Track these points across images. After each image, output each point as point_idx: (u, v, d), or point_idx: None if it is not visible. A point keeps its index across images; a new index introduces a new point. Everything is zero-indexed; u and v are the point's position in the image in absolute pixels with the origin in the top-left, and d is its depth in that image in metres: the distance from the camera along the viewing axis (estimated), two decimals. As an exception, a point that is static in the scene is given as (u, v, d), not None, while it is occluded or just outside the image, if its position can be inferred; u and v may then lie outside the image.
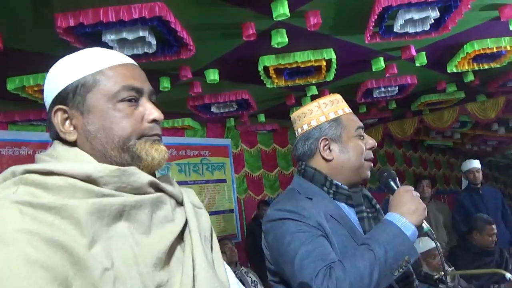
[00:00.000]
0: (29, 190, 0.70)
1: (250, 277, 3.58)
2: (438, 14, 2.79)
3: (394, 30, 2.95)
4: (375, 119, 6.46)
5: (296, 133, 1.49)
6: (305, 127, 1.43)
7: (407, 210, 1.22)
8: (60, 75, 0.82)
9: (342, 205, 1.36)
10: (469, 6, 2.73)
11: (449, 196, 8.69)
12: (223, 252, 3.28)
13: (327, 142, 1.38)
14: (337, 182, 1.37)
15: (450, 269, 2.84)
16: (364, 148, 1.38)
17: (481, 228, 3.49)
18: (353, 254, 1.16)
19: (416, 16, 2.75)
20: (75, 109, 0.81)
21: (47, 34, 2.52)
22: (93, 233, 0.67)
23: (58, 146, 0.82)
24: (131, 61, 0.89)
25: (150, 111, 0.84)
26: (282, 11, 2.51)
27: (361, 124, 1.42)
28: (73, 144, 0.82)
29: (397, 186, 1.36)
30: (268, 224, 1.33)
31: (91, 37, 2.60)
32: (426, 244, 3.15)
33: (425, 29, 2.97)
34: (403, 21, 2.81)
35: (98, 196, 0.72)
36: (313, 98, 4.69)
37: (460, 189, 6.35)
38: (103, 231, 0.69)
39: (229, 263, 3.32)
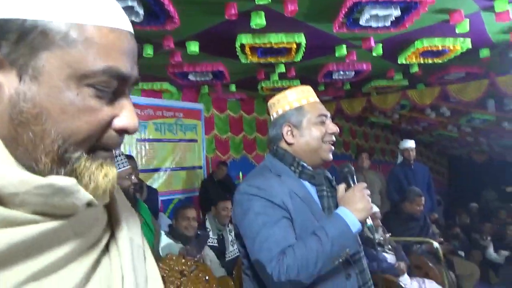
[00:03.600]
0: None
1: (231, 235, 3.55)
2: (400, 13, 2.76)
3: (360, 23, 2.90)
4: (330, 96, 6.49)
5: (272, 119, 1.46)
6: (274, 115, 1.43)
7: (357, 208, 1.24)
8: None
9: (306, 183, 1.36)
10: (426, 8, 2.72)
11: (383, 166, 9.03)
12: (222, 210, 3.30)
13: (289, 128, 1.37)
14: (303, 163, 1.36)
15: (387, 235, 2.97)
16: (324, 132, 1.35)
17: (412, 199, 3.64)
18: (304, 243, 1.16)
19: (381, 13, 2.71)
20: (7, 59, 0.42)
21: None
22: None
23: None
24: (129, 27, 0.49)
25: (127, 115, 0.48)
26: (264, -4, 2.39)
27: (324, 112, 1.39)
28: None
29: (354, 183, 1.37)
30: (238, 197, 1.30)
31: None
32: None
33: (386, 25, 2.94)
34: (369, 16, 2.77)
35: (1, 226, 0.39)
36: (281, 75, 4.61)
37: (394, 161, 6.56)
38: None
39: (223, 224, 3.45)
